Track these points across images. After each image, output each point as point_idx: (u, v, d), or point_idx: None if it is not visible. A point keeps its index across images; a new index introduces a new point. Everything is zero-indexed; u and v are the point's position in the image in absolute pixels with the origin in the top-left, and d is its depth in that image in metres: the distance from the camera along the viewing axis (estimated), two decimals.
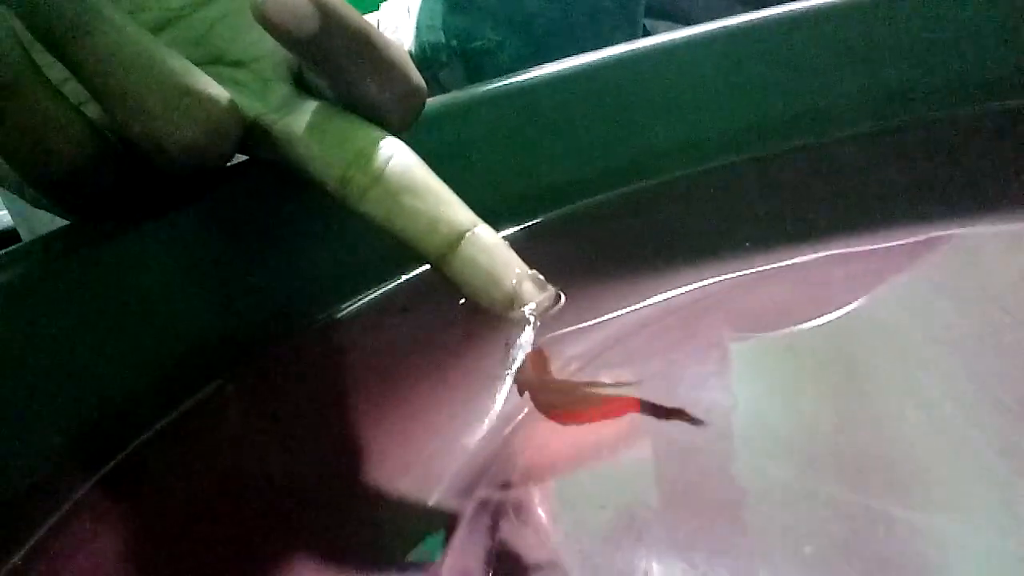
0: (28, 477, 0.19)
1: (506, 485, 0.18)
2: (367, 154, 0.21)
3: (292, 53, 0.23)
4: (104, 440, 0.20)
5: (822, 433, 0.18)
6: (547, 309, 0.22)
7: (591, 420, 0.20)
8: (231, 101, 0.21)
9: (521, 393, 0.20)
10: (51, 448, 0.19)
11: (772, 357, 0.21)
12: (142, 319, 0.22)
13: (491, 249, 0.22)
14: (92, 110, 0.21)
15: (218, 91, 0.21)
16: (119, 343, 0.21)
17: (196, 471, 0.20)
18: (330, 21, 0.20)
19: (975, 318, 0.20)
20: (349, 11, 0.21)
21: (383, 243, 0.22)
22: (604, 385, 0.21)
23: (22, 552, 0.18)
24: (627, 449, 0.18)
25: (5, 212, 0.61)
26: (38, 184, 0.21)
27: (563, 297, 0.22)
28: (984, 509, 0.15)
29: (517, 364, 0.21)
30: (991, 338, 0.19)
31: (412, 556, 0.17)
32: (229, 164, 0.25)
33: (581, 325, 0.23)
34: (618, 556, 0.15)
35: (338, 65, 0.21)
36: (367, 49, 0.21)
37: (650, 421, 0.19)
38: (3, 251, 0.21)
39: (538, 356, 0.21)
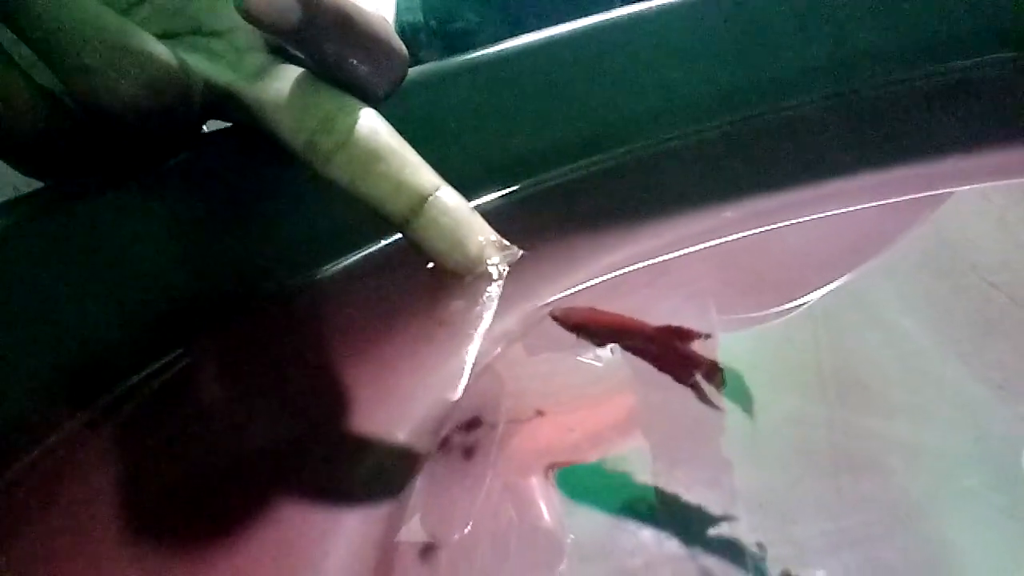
0: (11, 410, 0.20)
1: (473, 424, 0.18)
2: (333, 119, 0.22)
3: (276, 40, 0.23)
4: (84, 385, 0.21)
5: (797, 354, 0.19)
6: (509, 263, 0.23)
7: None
8: (169, 58, 0.21)
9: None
10: (33, 386, 0.20)
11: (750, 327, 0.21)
12: (119, 274, 0.22)
13: (453, 212, 0.22)
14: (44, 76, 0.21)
15: (156, 48, 0.21)
16: (97, 296, 0.22)
17: (174, 417, 0.21)
18: (311, 9, 0.20)
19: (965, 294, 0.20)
20: None
21: (355, 209, 0.22)
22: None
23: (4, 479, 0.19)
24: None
25: None
26: None
27: (521, 252, 0.23)
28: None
29: (487, 321, 0.22)
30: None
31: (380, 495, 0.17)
32: (211, 130, 0.26)
33: (555, 296, 0.23)
34: None
35: (320, 47, 0.21)
36: (348, 31, 0.21)
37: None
38: None
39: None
